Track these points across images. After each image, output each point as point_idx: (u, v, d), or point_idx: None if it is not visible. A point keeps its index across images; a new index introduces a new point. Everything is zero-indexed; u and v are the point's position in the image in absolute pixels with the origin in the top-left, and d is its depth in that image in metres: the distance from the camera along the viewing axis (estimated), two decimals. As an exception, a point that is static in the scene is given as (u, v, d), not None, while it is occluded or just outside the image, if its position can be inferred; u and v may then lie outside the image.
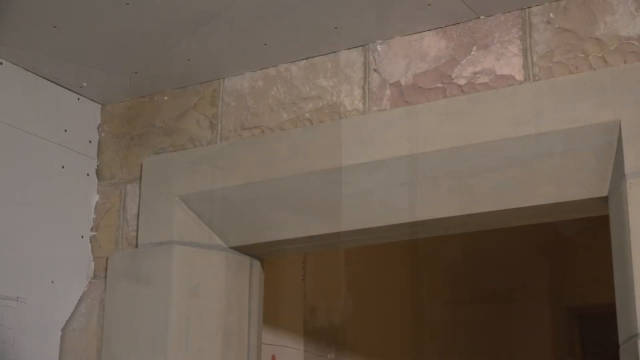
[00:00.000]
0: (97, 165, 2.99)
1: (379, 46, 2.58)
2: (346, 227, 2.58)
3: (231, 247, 2.79)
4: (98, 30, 2.58)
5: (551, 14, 2.35)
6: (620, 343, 2.17)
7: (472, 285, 5.53)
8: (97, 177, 2.98)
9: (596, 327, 5.86)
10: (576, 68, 2.29)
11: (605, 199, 2.26)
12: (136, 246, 2.82)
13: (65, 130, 2.90)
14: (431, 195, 2.44)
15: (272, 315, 3.43)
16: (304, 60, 2.70)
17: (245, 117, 2.75)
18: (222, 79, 2.83)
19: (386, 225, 2.54)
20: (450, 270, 5.27)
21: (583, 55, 2.29)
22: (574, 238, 5.78)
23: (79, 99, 2.96)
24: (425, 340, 4.95)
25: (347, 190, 2.53)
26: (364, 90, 2.58)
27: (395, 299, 4.67)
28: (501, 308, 5.91)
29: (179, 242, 2.75)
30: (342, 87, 2.61)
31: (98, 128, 3.02)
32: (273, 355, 3.68)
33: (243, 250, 2.82)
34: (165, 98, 2.92)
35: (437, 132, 2.40)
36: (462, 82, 2.44)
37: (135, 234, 2.84)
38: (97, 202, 2.96)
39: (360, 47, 2.62)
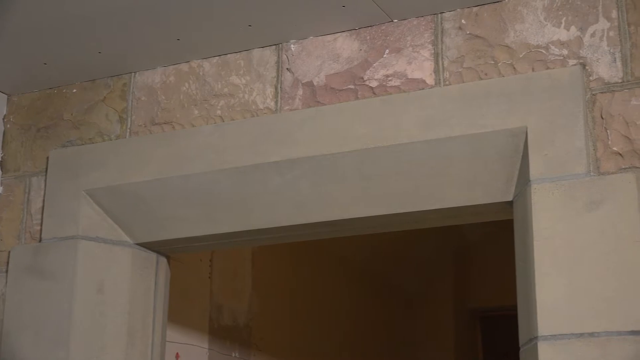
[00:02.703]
0: (2, 157, 2.93)
1: (292, 46, 2.59)
2: (255, 225, 2.58)
3: (137, 244, 2.76)
4: (5, 19, 2.52)
5: (463, 20, 2.39)
6: (520, 345, 2.22)
7: (379, 285, 5.58)
8: (1, 169, 2.92)
9: (497, 329, 5.97)
10: (485, 74, 2.33)
11: (510, 204, 2.31)
12: (40, 240, 2.77)
13: (-31, 120, 2.84)
14: (341, 195, 2.46)
15: (177, 313, 3.41)
16: (217, 57, 2.68)
17: (155, 112, 2.73)
18: (133, 73, 2.80)
19: (296, 225, 2.55)
20: (358, 271, 5.31)
21: (493, 62, 2.33)
22: (479, 241, 5.88)
23: (-16, 88, 2.90)
24: (332, 339, 4.98)
25: (257, 188, 2.53)
26: (276, 89, 2.58)
27: (302, 298, 4.69)
28: (407, 308, 5.98)
29: (84, 237, 2.70)
30: (255, 86, 2.61)
31: (3, 119, 2.95)
32: (177, 353, 3.65)
33: (150, 246, 2.79)
34: (74, 90, 2.87)
35: (348, 133, 2.41)
36: (373, 84, 2.45)
37: (39, 228, 2.79)
38: (0, 194, 2.90)
39: (274, 46, 2.62)
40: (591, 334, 2.04)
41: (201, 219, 2.64)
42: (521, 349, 2.21)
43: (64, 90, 2.89)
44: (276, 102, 2.57)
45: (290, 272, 4.59)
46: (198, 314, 3.83)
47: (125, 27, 2.55)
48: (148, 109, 2.74)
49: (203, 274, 3.87)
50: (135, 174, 2.66)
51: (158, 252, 2.83)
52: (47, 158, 2.83)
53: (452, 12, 2.41)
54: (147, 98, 2.75)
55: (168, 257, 2.88)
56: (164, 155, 2.64)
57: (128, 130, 2.76)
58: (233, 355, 4.05)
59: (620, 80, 2.18)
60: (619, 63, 2.19)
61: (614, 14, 2.22)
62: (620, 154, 2.14)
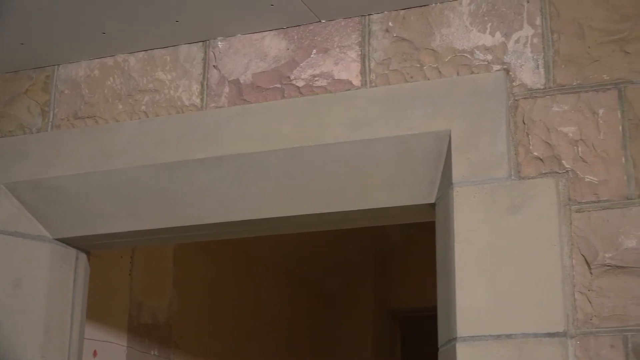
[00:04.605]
0: None
1: (219, 43, 2.58)
2: (179, 222, 2.56)
3: (57, 239, 2.73)
4: None
5: (390, 23, 2.40)
6: (439, 346, 2.24)
7: (299, 284, 5.60)
8: None
9: (416, 330, 6.03)
10: (411, 77, 2.35)
11: (433, 206, 2.33)
12: (-44, 234, 2.71)
13: None
14: (266, 194, 2.46)
15: (96, 310, 3.37)
16: (143, 52, 2.66)
17: (79, 106, 2.69)
18: (56, 66, 2.75)
19: (220, 223, 2.54)
20: (279, 270, 5.32)
21: (418, 65, 2.35)
22: (400, 243, 5.93)
23: None
24: (252, 337, 4.97)
25: (182, 185, 2.51)
26: (202, 86, 2.57)
27: (223, 297, 4.67)
28: (327, 308, 6.01)
29: (2, 231, 2.66)
30: (181, 82, 2.59)
31: None
32: (95, 351, 3.61)
33: (69, 242, 2.75)
34: (-5, 81, 2.82)
35: (274, 132, 2.41)
36: (300, 84, 2.46)
37: (-45, 221, 2.73)
38: None
39: (201, 43, 2.60)
40: (508, 336, 2.08)
41: (123, 215, 2.61)
42: (440, 350, 2.23)
43: (-16, 81, 2.83)
44: (202, 99, 2.56)
45: (212, 270, 4.57)
46: (117, 311, 3.79)
47: (49, 19, 2.51)
48: (71, 103, 2.70)
49: (123, 270, 3.84)
50: (56, 168, 2.62)
51: (78, 248, 2.80)
52: (-35, 150, 2.77)
53: (379, 15, 2.42)
54: (70, 91, 2.71)
55: (88, 253, 2.85)
56: (86, 149, 2.60)
57: (50, 123, 2.71)
58: (152, 353, 4.01)
59: (542, 87, 2.22)
60: (541, 70, 2.23)
61: (538, 21, 2.26)
62: (540, 159, 2.18)
